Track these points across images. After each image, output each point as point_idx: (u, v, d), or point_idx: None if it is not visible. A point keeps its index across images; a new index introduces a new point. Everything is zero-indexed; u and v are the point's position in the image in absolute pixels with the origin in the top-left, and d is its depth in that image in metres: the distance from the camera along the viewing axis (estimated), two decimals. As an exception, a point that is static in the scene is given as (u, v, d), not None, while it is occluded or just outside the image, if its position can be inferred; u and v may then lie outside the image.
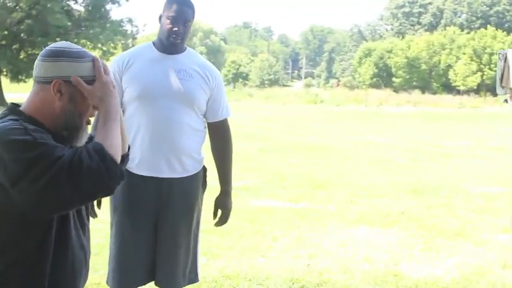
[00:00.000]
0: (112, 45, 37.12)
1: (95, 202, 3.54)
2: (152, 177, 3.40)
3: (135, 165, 3.38)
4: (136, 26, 40.68)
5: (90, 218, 2.30)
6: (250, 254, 5.94)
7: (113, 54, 36.21)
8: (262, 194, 9.23)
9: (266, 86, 70.43)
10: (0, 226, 1.85)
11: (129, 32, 39.12)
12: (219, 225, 3.82)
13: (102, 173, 1.77)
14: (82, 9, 37.79)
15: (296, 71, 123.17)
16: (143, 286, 3.63)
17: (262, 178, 10.69)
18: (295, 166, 12.34)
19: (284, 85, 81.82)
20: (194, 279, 3.72)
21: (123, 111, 3.47)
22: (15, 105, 1.99)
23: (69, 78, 1.91)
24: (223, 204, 3.75)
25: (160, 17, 3.44)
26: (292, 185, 10.01)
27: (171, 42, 3.38)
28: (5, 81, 38.07)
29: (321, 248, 6.23)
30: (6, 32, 34.85)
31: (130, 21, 39.09)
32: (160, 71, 3.39)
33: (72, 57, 1.94)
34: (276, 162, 12.89)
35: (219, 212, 3.77)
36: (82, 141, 2.00)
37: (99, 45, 36.88)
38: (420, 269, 5.61)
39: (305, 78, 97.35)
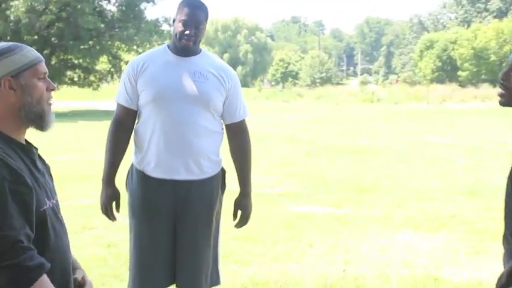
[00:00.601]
0: (148, 46, 37.86)
1: (114, 205, 3.91)
2: (169, 179, 3.71)
3: (151, 169, 3.71)
4: (173, 25, 41.41)
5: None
6: (283, 260, 6.21)
7: (149, 56, 36.88)
8: (302, 199, 9.48)
9: (318, 85, 70.52)
10: None
11: (165, 31, 39.83)
12: (239, 227, 4.10)
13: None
14: (115, 9, 38.74)
15: (351, 68, 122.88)
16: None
17: (304, 183, 10.94)
18: (341, 170, 12.54)
19: (338, 83, 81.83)
20: (216, 281, 4.01)
21: (139, 114, 3.81)
22: None
23: (14, 72, 2.17)
24: (242, 206, 4.03)
25: (173, 21, 3.76)
26: (335, 190, 10.22)
27: (184, 45, 3.68)
28: (36, 89, 39.21)
29: (359, 254, 6.46)
30: (36, 37, 36.01)
31: (166, 20, 39.87)
32: (175, 73, 3.69)
33: (6, 53, 2.19)
34: (322, 166, 13.11)
35: (239, 213, 4.05)
36: (51, 124, 2.29)
37: (134, 47, 37.68)
38: (463, 273, 5.78)
39: (361, 74, 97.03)
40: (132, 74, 3.74)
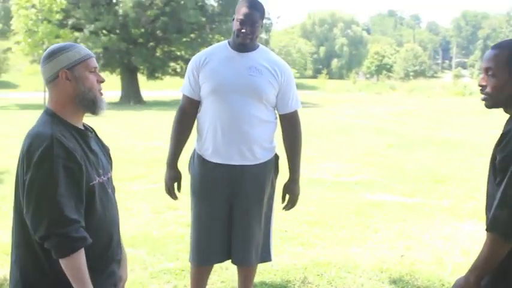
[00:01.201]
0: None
1: (176, 186, 4.19)
2: (225, 164, 3.95)
3: (209, 154, 3.97)
4: (269, 19, 41.87)
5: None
6: (347, 244, 6.36)
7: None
8: (376, 188, 9.54)
9: (411, 77, 69.41)
10: None
11: (263, 25, 40.20)
12: (287, 209, 4.29)
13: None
14: (215, 4, 39.37)
15: (447, 61, 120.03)
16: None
17: (381, 173, 10.97)
18: (420, 161, 12.48)
19: (433, 76, 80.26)
20: (267, 257, 4.24)
21: (201, 105, 4.07)
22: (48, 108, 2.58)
23: (69, 66, 2.49)
24: (290, 190, 4.23)
25: (233, 19, 3.98)
26: (410, 180, 10.22)
27: (241, 42, 3.91)
28: (142, 79, 40.44)
29: (420, 241, 6.52)
30: (142, 30, 37.09)
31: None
32: (233, 68, 3.93)
33: (61, 50, 2.52)
34: (401, 157, 13.07)
35: (287, 197, 4.24)
36: (102, 109, 2.58)
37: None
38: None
39: (455, 68, 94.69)
40: (195, 68, 4.01)
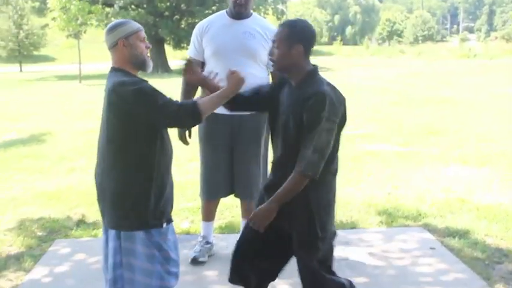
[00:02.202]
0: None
1: (187, 133, 4.64)
2: (226, 114, 4.37)
3: (212, 106, 4.40)
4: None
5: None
6: (342, 185, 6.74)
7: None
8: (375, 139, 9.95)
9: (420, 42, 68.92)
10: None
11: (276, -2, 40.30)
12: None
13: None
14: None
15: (455, 26, 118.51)
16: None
17: (381, 127, 11.36)
18: (418, 117, 12.81)
19: (441, 40, 79.51)
20: (264, 192, 4.69)
21: (205, 65, 4.49)
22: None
23: (125, 36, 3.03)
24: None
25: None
26: (407, 133, 10.60)
27: (236, 11, 4.32)
28: (168, 49, 40.77)
29: (408, 182, 6.94)
30: (167, 4, 37.38)
31: (279, -13, 40.24)
32: (230, 33, 4.34)
33: (119, 25, 3.08)
34: (402, 113, 13.41)
35: None
36: (150, 68, 3.14)
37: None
38: (489, 197, 6.18)
39: (462, 32, 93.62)
40: (198, 34, 4.43)
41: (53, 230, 5.48)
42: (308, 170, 2.79)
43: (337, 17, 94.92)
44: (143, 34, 3.14)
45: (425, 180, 7.01)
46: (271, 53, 3.04)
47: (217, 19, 4.47)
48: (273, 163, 3.13)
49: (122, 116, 2.94)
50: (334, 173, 3.03)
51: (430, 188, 6.65)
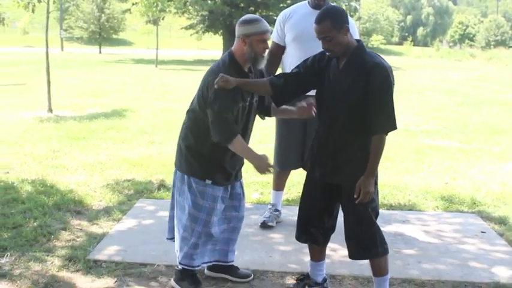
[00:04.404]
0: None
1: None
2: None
3: (289, 85, 4.81)
4: (359, -12, 41.66)
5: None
6: (402, 173, 7.10)
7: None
8: (438, 136, 10.15)
9: (492, 47, 67.36)
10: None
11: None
12: None
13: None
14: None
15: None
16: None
17: (446, 124, 11.52)
18: (485, 117, 12.86)
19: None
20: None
21: (286, 48, 4.89)
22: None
23: (248, 35, 3.47)
24: None
25: None
26: (471, 131, 10.73)
27: (317, 2, 4.71)
28: (241, 40, 41.28)
29: (465, 174, 7.18)
30: (244, -5, 37.93)
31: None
32: (310, 22, 4.65)
33: (249, 22, 3.50)
34: (468, 113, 13.47)
35: None
36: (260, 66, 3.57)
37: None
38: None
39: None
40: (281, 20, 4.86)
41: (137, 191, 6.03)
42: (390, 128, 3.22)
43: (409, 18, 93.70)
44: (267, 36, 3.53)
45: (482, 174, 7.23)
46: (325, 47, 3.35)
47: (299, 8, 4.87)
48: (322, 131, 3.47)
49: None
50: None
51: (486, 180, 6.88)
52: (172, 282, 3.83)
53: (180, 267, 3.74)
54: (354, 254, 3.51)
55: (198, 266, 3.74)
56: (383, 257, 3.48)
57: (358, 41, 3.39)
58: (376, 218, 3.44)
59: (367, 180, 3.23)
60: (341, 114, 3.32)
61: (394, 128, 3.23)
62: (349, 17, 3.36)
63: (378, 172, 3.36)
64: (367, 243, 3.43)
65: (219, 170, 3.66)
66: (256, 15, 3.63)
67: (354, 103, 3.25)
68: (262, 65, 3.58)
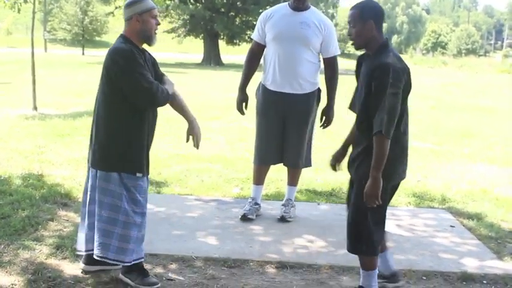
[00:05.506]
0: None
1: (244, 105, 5.14)
2: (279, 92, 4.89)
3: (269, 84, 4.92)
4: (336, -4, 42.09)
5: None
6: (377, 171, 7.22)
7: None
8: (411, 138, 10.13)
9: (463, 55, 68.20)
10: None
11: (330, 1, 40.63)
12: (324, 128, 5.17)
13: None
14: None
15: (499, 42, 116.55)
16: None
17: (419, 127, 11.63)
18: (456, 121, 13.06)
19: (484, 55, 78.45)
20: (309, 164, 5.18)
21: (266, 47, 4.98)
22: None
23: (140, 12, 3.49)
24: (326, 113, 5.10)
25: None
26: (443, 134, 10.91)
27: (296, 4, 4.82)
28: (222, 44, 41.38)
29: (436, 173, 7.34)
30: (224, 1, 38.02)
31: (331, -10, 40.53)
32: (289, 22, 4.84)
33: (136, 2, 3.51)
34: (440, 117, 13.67)
35: (324, 118, 5.12)
36: (154, 42, 3.58)
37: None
38: (510, 191, 6.54)
39: (506, 48, 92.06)
40: (262, 20, 4.97)
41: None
42: (382, 130, 3.14)
43: (384, 25, 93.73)
44: (156, 12, 3.57)
45: (453, 173, 7.39)
46: (349, 33, 3.42)
47: (280, 9, 4.97)
48: (354, 131, 3.55)
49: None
50: (403, 131, 3.40)
51: (456, 179, 7.04)
52: (120, 276, 3.76)
53: (128, 263, 3.62)
54: (347, 245, 3.55)
55: (143, 258, 3.72)
56: (367, 256, 3.51)
57: (385, 39, 3.40)
58: (378, 220, 3.43)
59: (370, 184, 3.23)
60: (358, 111, 3.43)
61: (386, 133, 3.14)
62: (371, 20, 3.32)
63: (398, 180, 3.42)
64: (353, 237, 3.48)
65: (144, 157, 3.63)
66: None
67: (364, 101, 3.32)
68: (155, 42, 3.58)
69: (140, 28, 3.50)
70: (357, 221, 3.45)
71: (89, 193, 3.64)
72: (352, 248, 3.52)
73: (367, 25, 3.31)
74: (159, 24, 3.60)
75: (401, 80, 3.23)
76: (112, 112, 3.51)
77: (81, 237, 3.75)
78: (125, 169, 3.52)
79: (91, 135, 3.70)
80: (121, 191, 3.52)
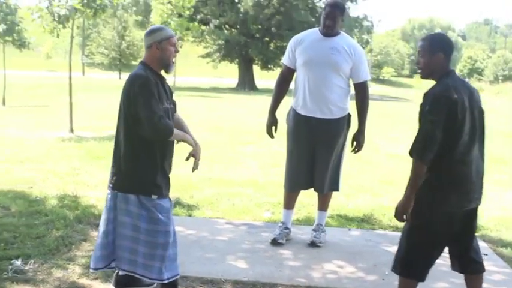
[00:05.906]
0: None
1: (273, 129, 5.21)
2: (310, 117, 4.92)
3: (299, 108, 4.97)
4: (371, 22, 42.12)
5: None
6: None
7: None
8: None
9: (500, 81, 67.37)
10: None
11: (364, 27, 40.68)
12: (355, 152, 5.18)
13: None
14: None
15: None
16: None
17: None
18: (486, 146, 12.82)
19: (521, 81, 77.37)
20: (336, 188, 5.19)
21: (296, 72, 5.04)
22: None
23: (159, 41, 3.53)
24: (357, 138, 5.11)
25: (321, 14, 4.95)
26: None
27: (325, 30, 4.87)
28: (256, 69, 41.68)
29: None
30: (259, 26, 38.38)
31: (365, 17, 40.65)
32: (319, 48, 4.89)
33: (156, 31, 3.58)
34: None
35: (355, 143, 5.13)
36: (172, 70, 3.66)
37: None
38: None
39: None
40: (293, 45, 5.03)
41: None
42: (414, 154, 3.27)
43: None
44: (175, 40, 3.64)
45: (485, 200, 7.26)
46: (417, 62, 3.52)
47: (310, 34, 5.04)
48: None
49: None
50: (460, 160, 3.39)
51: (489, 206, 6.94)
52: None
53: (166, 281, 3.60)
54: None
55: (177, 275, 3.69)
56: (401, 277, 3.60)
57: (449, 71, 3.46)
58: (419, 243, 3.50)
59: (401, 200, 3.36)
60: None
61: (418, 158, 3.25)
62: (440, 52, 3.40)
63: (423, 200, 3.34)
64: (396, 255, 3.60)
65: (159, 179, 3.65)
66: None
67: None
68: (173, 69, 3.69)
69: (160, 56, 3.58)
70: (400, 240, 3.56)
71: (108, 213, 3.69)
72: (393, 265, 3.61)
73: (435, 57, 3.41)
74: (177, 51, 3.68)
75: (442, 108, 3.26)
76: (126, 135, 3.55)
77: (97, 254, 3.71)
78: (140, 191, 3.55)
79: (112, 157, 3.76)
80: (140, 212, 3.55)
